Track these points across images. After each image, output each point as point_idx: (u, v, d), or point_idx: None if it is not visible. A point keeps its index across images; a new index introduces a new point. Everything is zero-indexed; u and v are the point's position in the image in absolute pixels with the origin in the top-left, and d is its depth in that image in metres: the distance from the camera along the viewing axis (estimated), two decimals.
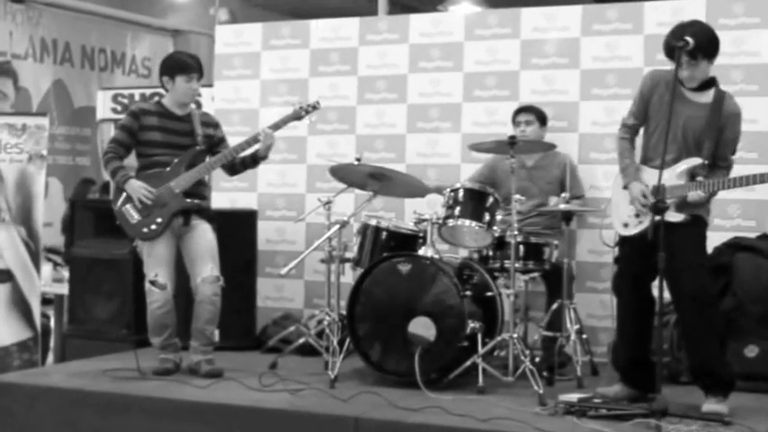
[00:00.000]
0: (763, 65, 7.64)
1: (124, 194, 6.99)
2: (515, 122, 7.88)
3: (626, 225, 6.19)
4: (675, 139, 5.98)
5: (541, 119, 7.88)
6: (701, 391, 6.04)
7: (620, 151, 6.26)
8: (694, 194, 5.90)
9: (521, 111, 7.93)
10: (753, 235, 7.36)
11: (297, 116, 7.19)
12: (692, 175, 5.99)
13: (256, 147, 7.09)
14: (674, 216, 5.86)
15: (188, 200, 6.98)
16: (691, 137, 6.00)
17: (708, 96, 6.04)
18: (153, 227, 6.94)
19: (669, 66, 6.00)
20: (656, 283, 5.69)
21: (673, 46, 5.85)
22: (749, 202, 7.55)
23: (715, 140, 5.99)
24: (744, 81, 7.59)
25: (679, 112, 5.93)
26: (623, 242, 6.28)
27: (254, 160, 7.22)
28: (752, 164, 7.13)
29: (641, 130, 6.27)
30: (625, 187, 6.16)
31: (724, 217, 7.52)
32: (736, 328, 6.85)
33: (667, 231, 5.61)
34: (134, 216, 6.98)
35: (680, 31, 5.90)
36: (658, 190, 5.69)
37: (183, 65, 7.07)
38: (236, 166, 7.26)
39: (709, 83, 6.06)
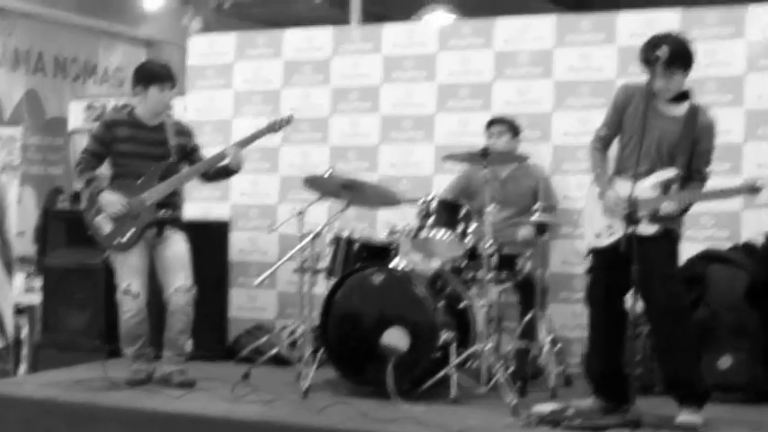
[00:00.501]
0: (737, 76, 7.68)
1: (97, 205, 6.96)
2: (488, 134, 7.88)
3: (598, 235, 6.16)
4: (649, 152, 5.97)
5: (513, 130, 7.88)
6: (675, 403, 6.04)
7: (593, 161, 6.25)
8: (667, 207, 5.89)
9: (493, 122, 7.92)
10: (726, 245, 7.38)
11: (270, 130, 7.18)
12: (665, 187, 5.99)
13: (226, 161, 7.07)
14: (646, 228, 5.86)
15: (161, 211, 6.96)
16: (665, 150, 5.99)
17: (682, 109, 6.03)
18: (125, 238, 6.91)
19: (642, 77, 6.01)
20: (629, 295, 5.69)
21: (648, 58, 5.86)
22: (722, 214, 7.55)
23: (689, 153, 5.98)
24: (717, 91, 7.60)
25: (653, 125, 5.92)
26: (596, 253, 6.28)
27: (227, 172, 7.19)
28: (724, 175, 7.15)
29: (615, 142, 6.28)
30: (600, 196, 6.15)
31: (697, 228, 7.51)
32: (710, 338, 6.84)
33: (640, 243, 5.61)
34: (106, 227, 6.95)
35: (655, 41, 5.90)
36: (631, 202, 5.69)
37: (156, 74, 7.04)
38: (210, 177, 7.23)
39: (684, 95, 6.07)
